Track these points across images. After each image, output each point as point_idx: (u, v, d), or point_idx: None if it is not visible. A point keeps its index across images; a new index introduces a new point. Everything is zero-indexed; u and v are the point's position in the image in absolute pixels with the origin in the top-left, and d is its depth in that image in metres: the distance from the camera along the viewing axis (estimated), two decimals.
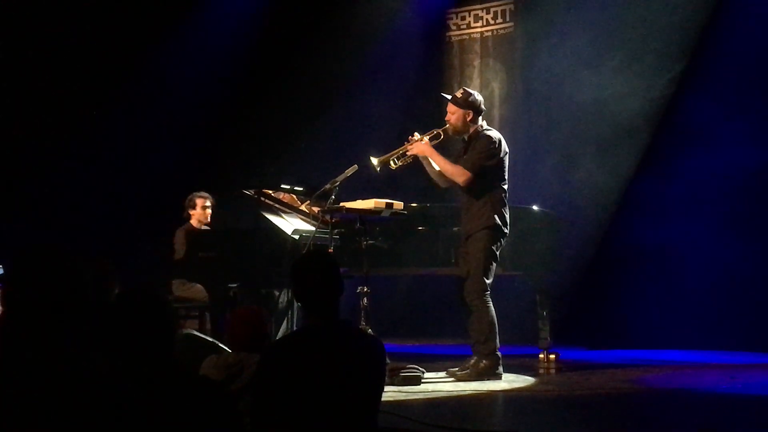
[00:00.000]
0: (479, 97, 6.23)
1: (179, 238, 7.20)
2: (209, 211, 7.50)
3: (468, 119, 6.14)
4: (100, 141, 9.35)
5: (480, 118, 6.18)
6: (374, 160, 6.20)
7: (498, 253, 6.11)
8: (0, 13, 8.78)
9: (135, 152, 9.47)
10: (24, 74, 9.00)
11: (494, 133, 6.16)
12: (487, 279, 6.02)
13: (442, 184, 6.34)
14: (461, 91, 6.28)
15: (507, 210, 6.15)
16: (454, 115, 6.17)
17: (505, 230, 6.13)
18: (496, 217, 6.04)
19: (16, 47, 8.94)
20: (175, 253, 7.16)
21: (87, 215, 9.07)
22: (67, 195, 9.15)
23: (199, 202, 7.48)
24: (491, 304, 6.01)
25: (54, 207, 9.03)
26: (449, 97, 6.25)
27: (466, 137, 6.19)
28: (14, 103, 8.97)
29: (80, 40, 9.15)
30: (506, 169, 6.18)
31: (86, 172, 9.29)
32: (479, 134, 6.13)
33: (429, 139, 6.23)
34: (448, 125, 6.20)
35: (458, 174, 6.09)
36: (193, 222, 7.47)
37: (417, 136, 6.24)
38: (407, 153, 6.22)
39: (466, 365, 6.04)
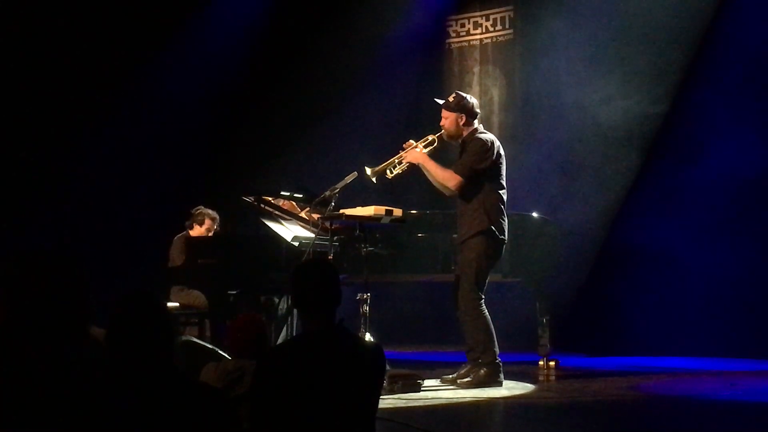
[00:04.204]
0: (472, 100, 6.15)
1: (177, 246, 7.14)
2: (212, 233, 7.36)
3: (461, 123, 6.08)
4: (100, 148, 9.35)
5: (476, 121, 6.12)
6: (369, 171, 6.14)
7: (493, 260, 6.02)
8: (4, 19, 8.79)
9: (135, 159, 9.47)
10: (27, 80, 9.00)
11: (487, 136, 6.07)
12: (479, 287, 5.94)
13: (445, 191, 6.18)
14: (453, 95, 6.22)
15: (504, 216, 6.04)
16: (447, 119, 6.12)
17: (501, 237, 6.00)
18: (489, 222, 5.93)
19: (17, 52, 8.95)
20: (170, 261, 7.12)
21: (87, 222, 9.07)
22: (67, 201, 9.14)
23: (207, 222, 7.30)
24: (486, 312, 5.95)
25: (53, 213, 9.02)
26: (441, 102, 6.20)
27: (460, 141, 6.14)
28: (15, 109, 8.97)
29: (81, 48, 9.15)
30: (502, 173, 6.07)
31: (86, 179, 9.29)
32: (472, 138, 6.05)
33: (424, 146, 6.18)
34: (443, 131, 6.17)
35: (449, 179, 6.01)
36: (193, 234, 7.38)
37: (412, 143, 6.22)
38: (402, 161, 6.17)
39: (461, 372, 6.02)
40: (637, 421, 5.08)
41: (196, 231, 7.32)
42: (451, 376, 6.05)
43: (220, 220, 7.41)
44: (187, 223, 7.39)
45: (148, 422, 2.23)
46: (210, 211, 7.38)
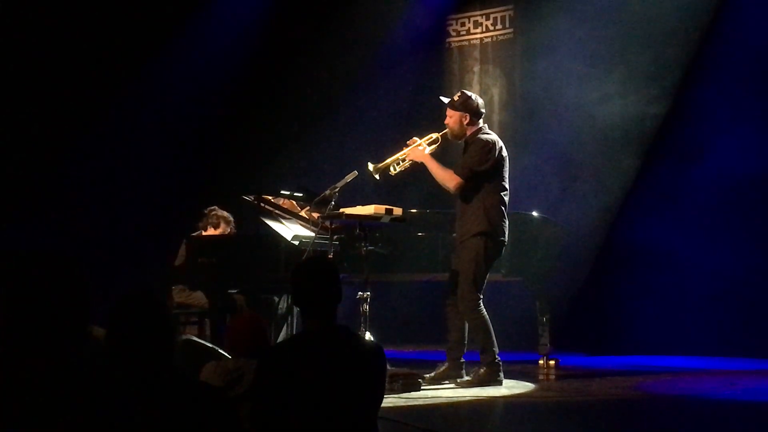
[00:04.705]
0: (477, 100, 6.13)
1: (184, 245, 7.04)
2: None
3: (465, 122, 6.05)
4: (101, 147, 9.35)
5: (480, 121, 6.10)
6: (371, 167, 6.13)
7: (492, 261, 6.01)
8: (4, 19, 8.79)
9: (136, 158, 9.47)
10: (28, 79, 8.99)
11: (490, 137, 6.04)
12: (478, 288, 5.92)
13: (447, 190, 6.15)
14: (458, 94, 6.19)
15: (505, 218, 6.01)
16: (451, 118, 6.09)
17: (502, 238, 5.99)
18: (489, 223, 5.92)
19: (19, 52, 8.94)
20: (176, 260, 7.06)
21: (87, 222, 9.06)
22: (67, 201, 9.14)
23: (222, 226, 7.03)
24: (485, 312, 5.95)
25: (53, 213, 9.02)
26: (446, 100, 6.18)
27: (464, 141, 6.13)
28: (16, 109, 8.97)
29: (82, 48, 9.15)
30: (504, 175, 6.04)
31: (86, 179, 9.29)
32: (475, 138, 6.04)
33: (427, 144, 6.17)
34: (447, 129, 6.16)
35: (449, 179, 5.99)
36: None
37: (416, 140, 6.22)
38: (406, 158, 6.17)
39: (439, 370, 5.99)
40: (637, 421, 5.08)
41: (210, 233, 7.04)
42: (428, 375, 5.97)
43: (234, 222, 7.14)
44: (200, 224, 7.13)
45: (148, 422, 2.23)
46: (225, 214, 7.09)
